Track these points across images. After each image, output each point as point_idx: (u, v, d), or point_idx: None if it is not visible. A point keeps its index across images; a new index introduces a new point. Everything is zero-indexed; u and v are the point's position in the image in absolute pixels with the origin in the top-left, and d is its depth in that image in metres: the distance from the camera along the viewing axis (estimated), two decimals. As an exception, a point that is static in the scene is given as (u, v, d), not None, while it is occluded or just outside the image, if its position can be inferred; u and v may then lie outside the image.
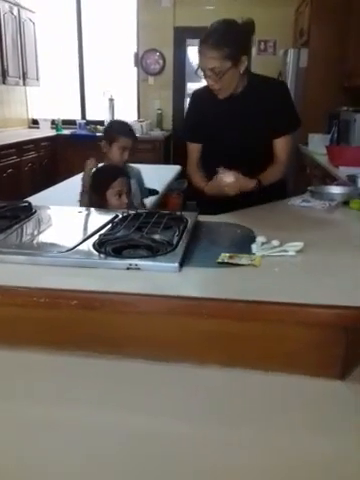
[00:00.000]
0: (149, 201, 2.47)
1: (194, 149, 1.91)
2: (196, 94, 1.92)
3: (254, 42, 5.13)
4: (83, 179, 2.02)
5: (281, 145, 1.83)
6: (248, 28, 1.70)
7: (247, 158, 1.78)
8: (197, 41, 1.68)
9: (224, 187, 1.60)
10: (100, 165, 2.05)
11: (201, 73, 1.69)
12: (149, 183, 2.69)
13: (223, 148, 1.85)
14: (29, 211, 1.53)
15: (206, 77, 1.68)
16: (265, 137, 1.82)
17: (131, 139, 2.13)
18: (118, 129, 2.20)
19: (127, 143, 2.09)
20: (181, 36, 5.47)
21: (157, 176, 3.16)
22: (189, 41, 5.54)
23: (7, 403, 0.92)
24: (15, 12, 4.97)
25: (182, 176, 3.73)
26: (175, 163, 4.32)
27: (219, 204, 1.67)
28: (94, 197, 1.81)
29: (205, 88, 1.80)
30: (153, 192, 2.68)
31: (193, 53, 5.88)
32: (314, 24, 4.25)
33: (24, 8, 5.18)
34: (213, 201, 1.76)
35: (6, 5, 4.77)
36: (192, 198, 2.23)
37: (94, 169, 1.99)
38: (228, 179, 1.58)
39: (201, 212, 1.58)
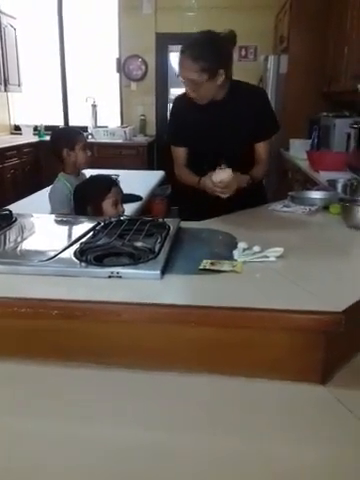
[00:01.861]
0: (133, 207, 2.46)
1: (180, 152, 1.94)
2: (178, 99, 1.95)
3: (235, 50, 5.17)
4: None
5: (262, 148, 1.89)
6: (229, 40, 1.73)
7: (228, 163, 1.81)
8: (179, 47, 1.72)
9: (219, 188, 1.59)
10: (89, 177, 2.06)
11: (181, 79, 1.72)
12: (133, 189, 2.69)
13: (204, 153, 1.87)
14: (10, 219, 1.52)
15: (185, 85, 1.72)
16: (245, 143, 1.86)
17: (84, 137, 2.20)
18: (73, 132, 2.25)
19: (85, 141, 2.15)
20: (163, 42, 5.50)
21: (141, 182, 3.16)
22: (171, 47, 5.58)
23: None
24: (-5, 18, 4.94)
25: (166, 182, 3.74)
26: (159, 169, 4.33)
27: (201, 210, 1.68)
28: (88, 209, 1.80)
29: (187, 94, 1.82)
30: (136, 198, 2.68)
31: (175, 59, 5.91)
32: (293, 31, 4.31)
33: (5, 14, 5.15)
34: (196, 207, 1.78)
35: (-14, 11, 4.74)
36: (176, 203, 2.25)
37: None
38: (224, 175, 1.57)
39: (184, 218, 1.59)
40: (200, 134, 1.86)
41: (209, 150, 1.86)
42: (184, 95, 1.88)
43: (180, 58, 1.68)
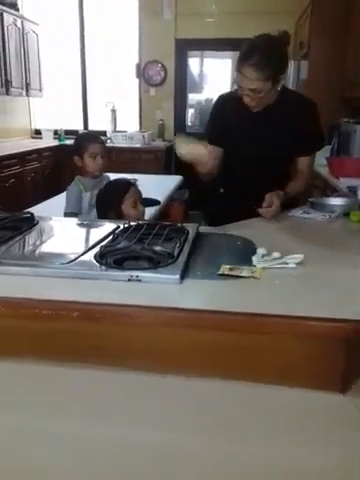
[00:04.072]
0: (151, 211, 2.48)
1: (212, 152, 1.81)
2: (223, 99, 1.90)
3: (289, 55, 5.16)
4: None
5: (304, 161, 1.85)
6: (285, 42, 1.65)
7: (263, 171, 1.79)
8: (198, 53, 1.71)
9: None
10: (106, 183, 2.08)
11: (237, 88, 1.67)
12: (151, 193, 2.71)
13: (241, 157, 1.84)
14: (31, 222, 1.54)
15: (244, 94, 1.66)
16: (286, 153, 1.81)
17: (98, 144, 2.17)
18: (84, 139, 2.27)
19: (96, 149, 2.13)
20: (182, 48, 5.52)
21: (159, 186, 3.18)
22: (190, 53, 5.61)
23: (8, 414, 0.92)
24: (19, 24, 5.04)
25: (183, 186, 3.75)
26: (177, 173, 4.34)
27: (225, 214, 1.69)
28: (110, 214, 1.82)
29: (232, 94, 1.80)
30: (155, 202, 2.69)
31: (194, 64, 5.94)
32: (314, 36, 4.28)
33: (28, 20, 5.25)
34: (219, 211, 1.80)
35: (10, 17, 4.84)
36: (194, 208, 2.26)
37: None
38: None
39: (208, 222, 1.60)
40: (241, 138, 1.81)
41: (246, 155, 1.81)
42: (229, 95, 1.84)
43: (241, 67, 1.58)
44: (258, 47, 1.57)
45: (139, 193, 1.90)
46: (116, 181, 2.01)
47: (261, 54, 1.55)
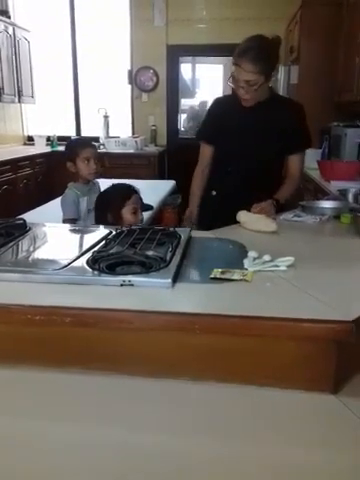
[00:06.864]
0: (144, 216, 2.48)
1: (206, 151, 2.04)
2: (218, 100, 2.08)
3: (281, 57, 5.20)
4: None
5: (295, 161, 1.98)
6: (277, 43, 1.83)
7: (254, 168, 1.90)
8: (190, 59, 1.81)
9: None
10: (111, 185, 2.08)
11: (232, 82, 1.81)
12: (144, 198, 2.71)
13: (234, 155, 1.95)
14: (24, 228, 1.54)
15: (239, 87, 1.80)
16: (275, 153, 1.93)
17: (90, 148, 2.19)
18: (76, 144, 2.30)
19: (88, 153, 2.14)
20: (174, 54, 5.56)
21: (152, 191, 3.18)
22: (182, 59, 5.64)
23: (2, 421, 0.92)
24: (10, 31, 5.05)
25: (176, 191, 3.77)
26: (169, 178, 4.36)
27: (218, 216, 1.76)
28: (109, 216, 1.83)
29: (227, 97, 1.99)
30: (148, 207, 2.70)
31: (186, 70, 5.98)
32: (304, 41, 4.32)
33: (19, 27, 5.26)
34: (204, 215, 1.89)
35: (1, 24, 4.85)
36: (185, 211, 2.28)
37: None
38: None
39: (200, 224, 1.65)
40: (233, 135, 1.93)
41: (238, 152, 1.93)
42: (225, 98, 2.04)
43: (238, 61, 1.75)
44: (254, 44, 1.77)
45: (141, 201, 1.92)
46: (121, 184, 2.02)
47: (257, 50, 1.75)
